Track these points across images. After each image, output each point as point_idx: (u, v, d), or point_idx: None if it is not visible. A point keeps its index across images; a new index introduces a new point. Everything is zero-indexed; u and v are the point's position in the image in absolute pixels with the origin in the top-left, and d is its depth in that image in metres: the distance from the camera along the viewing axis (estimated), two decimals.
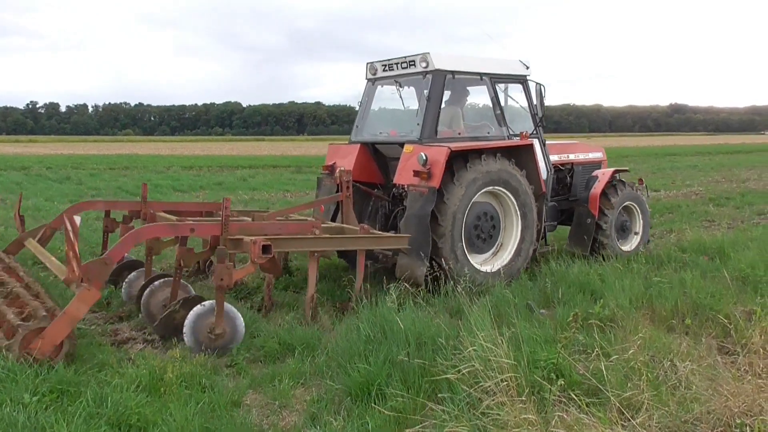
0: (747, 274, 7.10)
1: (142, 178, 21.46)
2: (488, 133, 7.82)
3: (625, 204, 8.74)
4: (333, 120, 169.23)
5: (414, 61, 7.36)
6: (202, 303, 5.08)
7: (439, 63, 7.26)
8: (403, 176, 7.02)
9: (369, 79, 8.11)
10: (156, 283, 5.77)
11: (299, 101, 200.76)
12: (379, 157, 8.15)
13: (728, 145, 63.33)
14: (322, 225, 6.33)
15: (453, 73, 7.39)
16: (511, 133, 7.81)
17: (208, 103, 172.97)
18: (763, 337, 5.38)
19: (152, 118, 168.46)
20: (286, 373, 4.49)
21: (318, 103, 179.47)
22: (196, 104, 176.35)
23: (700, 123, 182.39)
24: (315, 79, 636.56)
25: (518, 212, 7.46)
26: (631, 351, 4.24)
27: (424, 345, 4.35)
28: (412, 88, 7.94)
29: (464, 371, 3.54)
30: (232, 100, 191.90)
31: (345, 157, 7.96)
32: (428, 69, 7.27)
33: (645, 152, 48.04)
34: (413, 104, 7.90)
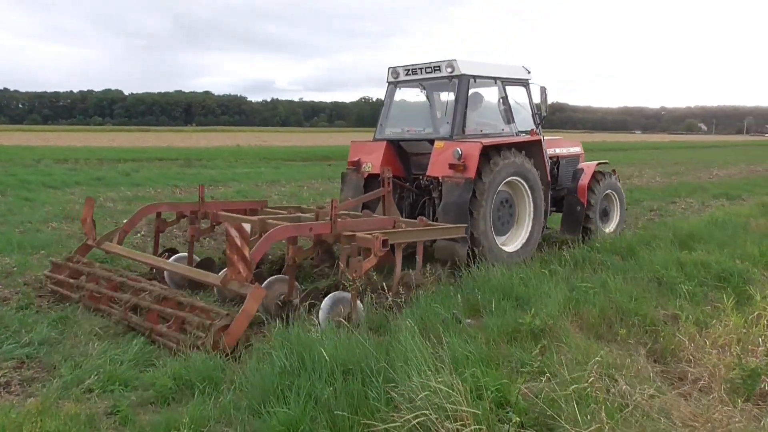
0: (661, 275, 7.09)
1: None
2: (502, 130, 8.69)
3: (606, 192, 9.89)
4: (223, 110, 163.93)
5: (440, 66, 8.29)
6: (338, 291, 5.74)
7: (465, 69, 8.18)
8: (436, 169, 7.89)
9: (390, 82, 8.92)
10: (268, 280, 6.10)
11: (187, 90, 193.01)
12: (401, 152, 8.91)
13: (606, 143, 69.03)
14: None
15: (475, 77, 8.32)
16: (519, 130, 8.82)
17: (86, 90, 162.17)
18: (693, 344, 5.32)
19: (21, 106, 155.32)
20: (183, 421, 3.61)
21: (207, 93, 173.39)
22: (71, 91, 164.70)
23: (579, 121, 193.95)
24: (204, 68, 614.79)
25: (530, 199, 8.43)
26: (582, 373, 3.84)
27: (351, 375, 3.73)
28: (432, 90, 8.84)
29: (413, 422, 2.95)
30: (113, 88, 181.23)
31: (372, 153, 8.65)
32: (454, 74, 8.18)
33: None
34: (433, 105, 8.92)
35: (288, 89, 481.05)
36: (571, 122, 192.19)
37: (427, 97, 8.94)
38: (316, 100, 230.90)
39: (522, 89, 9.04)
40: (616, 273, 7.03)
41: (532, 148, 8.56)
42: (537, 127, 9.09)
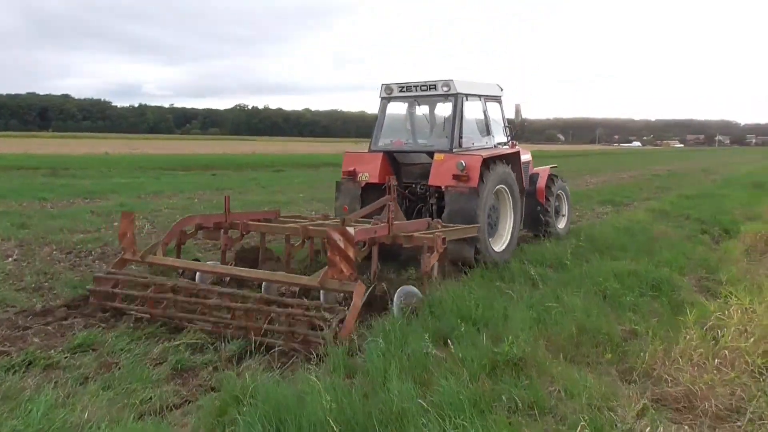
0: (604, 287, 6.95)
1: None
2: (486, 142, 9.57)
3: (557, 193, 11.15)
4: (85, 115, 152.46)
5: (435, 85, 9.04)
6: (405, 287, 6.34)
7: (460, 88, 8.99)
8: (439, 179, 8.62)
9: (384, 98, 9.57)
10: None
11: (42, 93, 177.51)
12: (393, 162, 9.55)
13: None
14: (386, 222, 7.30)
15: (467, 95, 9.13)
16: (498, 142, 9.80)
17: None
18: (666, 363, 5.10)
19: None
20: None
21: (66, 96, 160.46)
22: None
23: None
24: (61, 69, 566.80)
25: (511, 204, 9.36)
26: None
27: None
28: (424, 106, 9.71)
29: None
30: None
31: (368, 164, 9.29)
32: (450, 92, 8.95)
33: None
34: (424, 119, 9.84)
35: (157, 94, 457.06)
36: None
37: (426, 114, 9.86)
38: (188, 106, 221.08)
39: (497, 105, 10.05)
40: (561, 287, 6.80)
41: (513, 159, 9.59)
42: (509, 140, 10.14)
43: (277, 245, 9.19)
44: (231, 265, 7.63)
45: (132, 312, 6.31)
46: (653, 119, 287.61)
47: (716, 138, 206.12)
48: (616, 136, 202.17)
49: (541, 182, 10.78)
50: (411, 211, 9.41)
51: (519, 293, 6.51)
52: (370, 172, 9.19)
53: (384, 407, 3.46)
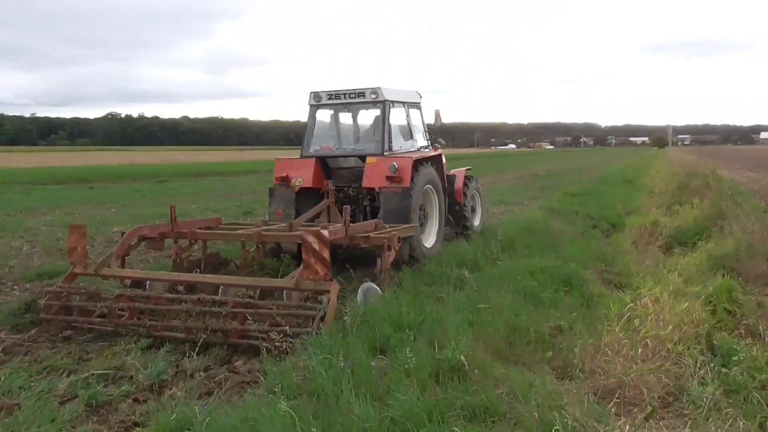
0: (523, 285, 7.05)
1: None
2: (411, 146, 10.26)
3: (472, 193, 11.79)
4: None
5: (364, 93, 9.64)
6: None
7: (387, 95, 9.62)
8: (372, 180, 9.15)
9: (312, 105, 9.99)
10: None
11: None
12: (324, 167, 9.98)
13: None
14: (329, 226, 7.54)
15: (393, 102, 9.83)
16: (420, 146, 10.54)
17: None
18: (597, 356, 5.22)
19: None
20: None
21: None
22: None
23: None
24: None
25: (437, 203, 10.10)
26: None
27: None
28: (348, 113, 10.38)
29: None
30: None
31: (301, 169, 9.64)
32: (378, 99, 9.60)
33: None
34: (352, 125, 10.50)
35: (15, 103, 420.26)
36: None
37: (354, 119, 10.46)
38: (52, 115, 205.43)
39: (417, 111, 10.76)
40: (484, 287, 6.84)
41: (437, 161, 10.37)
42: (428, 143, 10.89)
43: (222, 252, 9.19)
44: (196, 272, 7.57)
45: (94, 326, 6.25)
46: (525, 123, 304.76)
47: (581, 140, 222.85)
48: (493, 140, 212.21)
49: (459, 183, 11.34)
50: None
51: (449, 296, 6.46)
52: (303, 177, 9.55)
53: (344, 429, 3.21)
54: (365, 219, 9.42)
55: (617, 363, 4.92)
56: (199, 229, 8.31)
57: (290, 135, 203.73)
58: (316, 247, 6.01)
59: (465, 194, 11.37)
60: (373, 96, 9.61)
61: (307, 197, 9.53)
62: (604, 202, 16.62)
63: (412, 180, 9.03)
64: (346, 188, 9.83)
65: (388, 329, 5.30)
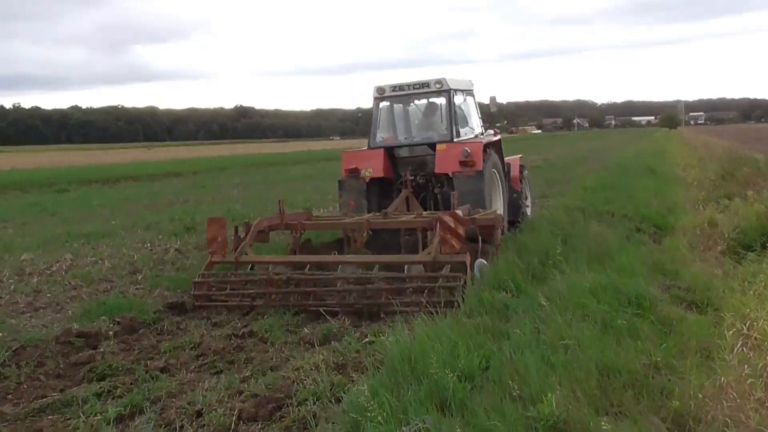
0: (591, 311, 6.87)
1: None
2: (473, 131, 12.89)
3: (525, 181, 14.29)
4: None
5: (428, 83, 12.06)
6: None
7: (452, 84, 12.01)
8: (444, 166, 11.46)
9: (376, 98, 12.47)
10: None
11: None
12: (391, 157, 12.39)
13: (311, 152, 77.88)
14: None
15: (456, 90, 12.25)
16: (477, 132, 13.08)
17: None
18: (724, 402, 5.02)
19: None
20: None
21: None
22: None
23: (268, 128, 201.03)
24: None
25: (500, 186, 12.43)
26: None
27: None
28: (411, 104, 12.96)
29: None
30: None
31: (370, 160, 12.04)
32: (443, 89, 11.98)
33: (220, 163, 53.18)
34: (416, 115, 13.10)
35: None
36: (259, 129, 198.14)
37: (404, 110, 12.97)
38: None
39: (472, 98, 13.42)
40: (546, 313, 6.70)
41: (498, 146, 12.72)
42: (484, 129, 13.39)
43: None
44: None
45: (253, 303, 8.88)
46: (503, 102, 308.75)
47: (574, 121, 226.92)
48: None
49: (515, 170, 13.72)
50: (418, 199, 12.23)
51: (520, 330, 6.23)
52: (373, 168, 11.86)
53: None
54: (436, 206, 11.98)
55: (749, 410, 4.75)
56: (305, 221, 10.90)
57: (212, 126, 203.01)
58: (452, 224, 8.50)
59: (521, 182, 13.80)
60: (438, 86, 12.00)
61: (376, 187, 12.03)
62: (635, 197, 16.84)
63: (484, 163, 11.24)
64: (414, 177, 12.17)
65: (445, 377, 5.03)
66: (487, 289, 8.11)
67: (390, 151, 12.38)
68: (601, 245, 10.60)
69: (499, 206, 12.17)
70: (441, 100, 12.38)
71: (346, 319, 8.11)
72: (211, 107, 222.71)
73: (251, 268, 9.84)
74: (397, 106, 12.99)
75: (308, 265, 9.53)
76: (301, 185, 29.12)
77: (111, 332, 7.87)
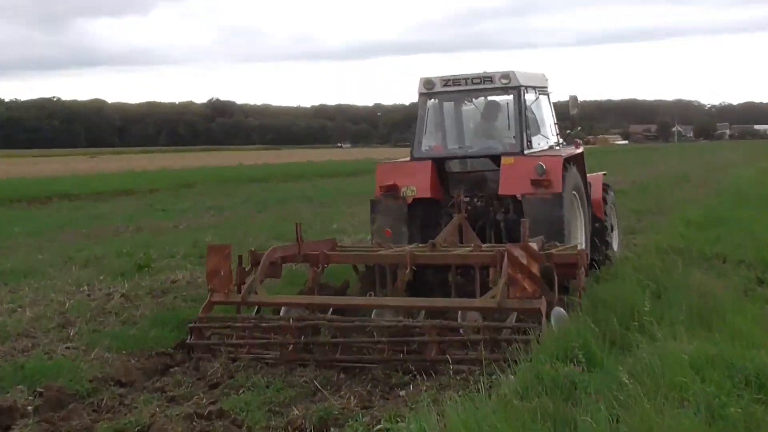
0: (691, 391, 6.83)
1: None
2: (543, 144, 13.09)
3: (610, 207, 14.56)
4: None
5: (492, 77, 12.41)
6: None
7: (522, 79, 12.36)
8: (511, 186, 11.86)
9: (423, 94, 12.92)
10: None
11: None
12: (441, 171, 12.87)
13: (312, 163, 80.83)
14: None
15: (527, 87, 12.62)
16: (553, 141, 13.60)
17: None
18: None
19: None
20: None
21: None
22: None
23: (253, 130, 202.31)
24: None
25: (582, 214, 12.82)
26: None
27: None
28: (469, 104, 13.47)
29: None
30: None
31: (414, 175, 12.49)
32: (511, 85, 12.35)
33: (187, 177, 53.40)
34: (474, 118, 13.65)
35: None
36: (242, 132, 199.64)
37: (458, 110, 13.47)
38: None
39: (546, 98, 13.73)
40: (634, 398, 6.60)
41: (579, 161, 13.09)
42: (559, 138, 13.83)
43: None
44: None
45: (266, 357, 9.63)
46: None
47: (674, 129, 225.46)
48: None
49: (597, 192, 14.04)
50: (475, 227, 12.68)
51: (592, 418, 6.28)
52: (418, 185, 12.33)
53: None
54: (498, 237, 12.40)
55: None
56: (329, 251, 11.43)
57: (177, 127, 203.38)
58: (524, 261, 8.80)
59: (605, 208, 14.12)
60: (505, 81, 12.35)
61: (420, 211, 12.50)
62: (756, 237, 16.77)
63: (563, 183, 11.58)
64: (471, 197, 12.67)
65: None
66: (547, 359, 8.04)
67: (439, 164, 12.78)
68: (708, 302, 10.55)
69: (581, 239, 12.62)
70: (507, 100, 12.75)
71: (352, 397, 8.27)
72: (177, 102, 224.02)
73: (257, 312, 10.53)
74: (448, 105, 13.45)
75: (330, 309, 10.14)
76: (297, 209, 29.71)
77: (30, 407, 7.85)
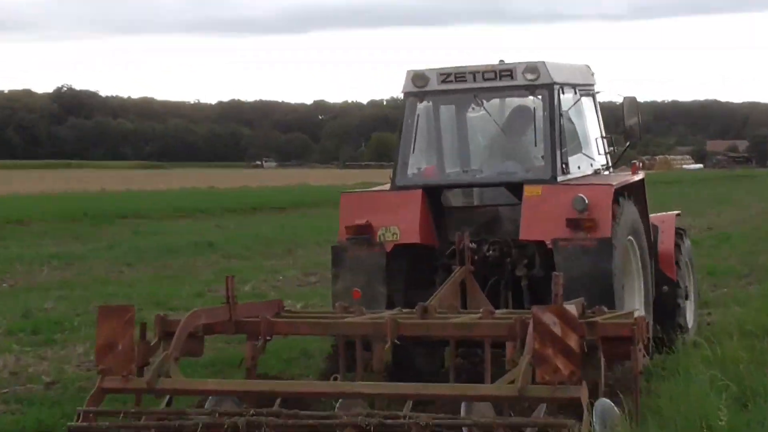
0: None
1: None
2: (589, 166, 13.06)
3: (685, 261, 14.43)
4: None
5: (512, 70, 11.95)
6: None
7: (554, 74, 11.97)
8: (537, 228, 11.48)
9: (411, 94, 12.57)
10: None
11: None
12: (434, 206, 12.50)
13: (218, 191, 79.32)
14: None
15: (563, 86, 12.30)
16: (600, 163, 13.46)
17: None
18: None
19: None
20: None
21: None
22: None
23: (126, 138, 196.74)
24: None
25: (642, 272, 12.55)
26: None
27: None
28: (477, 108, 12.93)
29: None
30: None
31: (396, 211, 12.03)
32: (540, 82, 11.91)
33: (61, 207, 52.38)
34: (488, 128, 13.24)
35: None
36: (109, 140, 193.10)
37: (461, 118, 13.11)
38: None
39: (590, 100, 13.58)
40: None
41: (638, 191, 12.88)
42: (609, 158, 13.74)
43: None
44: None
45: None
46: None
47: None
48: None
49: (667, 240, 13.94)
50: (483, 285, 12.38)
51: None
52: (401, 226, 11.91)
53: None
54: (518, 300, 12.08)
55: None
56: (273, 317, 10.98)
57: (34, 132, 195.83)
58: (557, 330, 8.20)
59: (678, 264, 13.90)
60: (531, 77, 11.90)
61: (403, 262, 12.12)
62: None
63: (613, 223, 11.16)
64: (479, 244, 12.07)
65: None
66: None
67: (433, 196, 12.33)
68: None
69: (638, 306, 12.02)
70: (534, 103, 12.20)
71: None
72: (6, 90, 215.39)
73: (168, 404, 9.88)
74: (447, 110, 12.94)
75: (278, 400, 9.37)
76: (190, 263, 29.74)
77: None
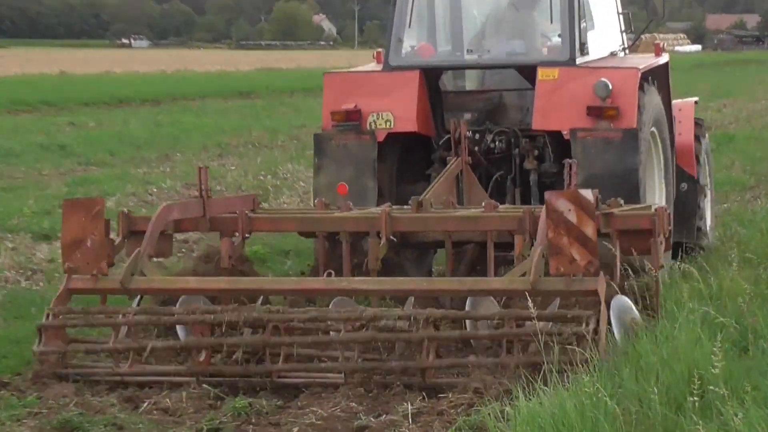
0: None
1: None
2: (607, 48, 14.13)
3: (704, 157, 15.66)
4: None
5: None
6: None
7: None
8: (552, 117, 12.80)
9: None
10: None
11: None
12: (431, 91, 13.43)
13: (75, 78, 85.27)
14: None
15: None
16: (617, 45, 14.48)
17: None
18: None
19: None
20: None
21: None
22: None
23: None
24: None
25: (662, 167, 13.79)
26: None
27: None
28: None
29: None
30: None
31: (390, 94, 13.18)
32: None
33: None
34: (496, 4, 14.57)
35: None
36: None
37: None
38: None
39: None
40: None
41: (662, 76, 14.04)
42: (624, 42, 14.92)
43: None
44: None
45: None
46: None
47: None
48: None
49: (687, 132, 15.29)
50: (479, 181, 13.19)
51: None
52: (395, 112, 13.10)
53: None
54: (525, 196, 13.45)
55: None
56: (250, 212, 12.02)
57: None
58: (572, 218, 9.26)
59: (698, 158, 15.13)
60: None
61: (395, 152, 13.51)
62: None
63: (639, 113, 12.13)
64: (482, 133, 13.37)
65: None
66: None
67: (431, 79, 13.34)
68: None
69: (658, 199, 13.25)
70: None
71: None
72: None
73: (139, 303, 11.05)
74: None
75: (261, 298, 10.63)
76: (32, 173, 30.16)
77: None
